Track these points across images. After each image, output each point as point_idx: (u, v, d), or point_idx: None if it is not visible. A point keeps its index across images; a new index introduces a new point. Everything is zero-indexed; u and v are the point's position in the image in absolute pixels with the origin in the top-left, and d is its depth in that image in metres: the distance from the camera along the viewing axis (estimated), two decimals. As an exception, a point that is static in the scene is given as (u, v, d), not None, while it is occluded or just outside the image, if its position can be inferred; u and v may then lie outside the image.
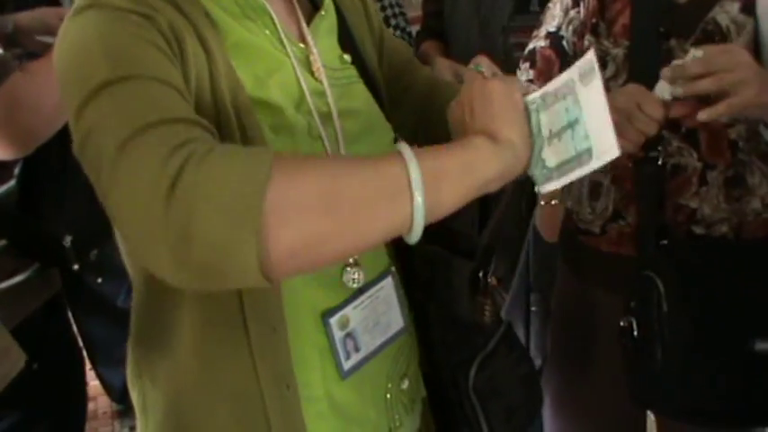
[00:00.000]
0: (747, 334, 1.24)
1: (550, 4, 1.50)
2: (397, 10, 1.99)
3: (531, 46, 1.51)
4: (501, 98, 0.82)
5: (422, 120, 1.10)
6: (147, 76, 0.73)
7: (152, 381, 0.96)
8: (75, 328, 1.94)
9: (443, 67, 2.04)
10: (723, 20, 1.27)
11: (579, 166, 0.80)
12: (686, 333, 1.25)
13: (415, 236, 0.73)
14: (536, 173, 0.84)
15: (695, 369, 1.26)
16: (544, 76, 1.48)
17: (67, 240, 1.35)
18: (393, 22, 1.98)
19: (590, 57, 0.79)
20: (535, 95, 0.84)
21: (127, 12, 0.77)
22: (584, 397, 1.55)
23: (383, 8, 1.96)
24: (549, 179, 0.83)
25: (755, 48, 1.26)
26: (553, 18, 1.46)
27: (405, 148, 0.73)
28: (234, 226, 0.64)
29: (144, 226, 0.67)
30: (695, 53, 1.16)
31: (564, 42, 1.44)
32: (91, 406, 2.61)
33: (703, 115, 1.15)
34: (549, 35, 1.47)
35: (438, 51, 2.13)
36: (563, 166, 0.82)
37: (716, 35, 1.28)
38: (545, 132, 0.83)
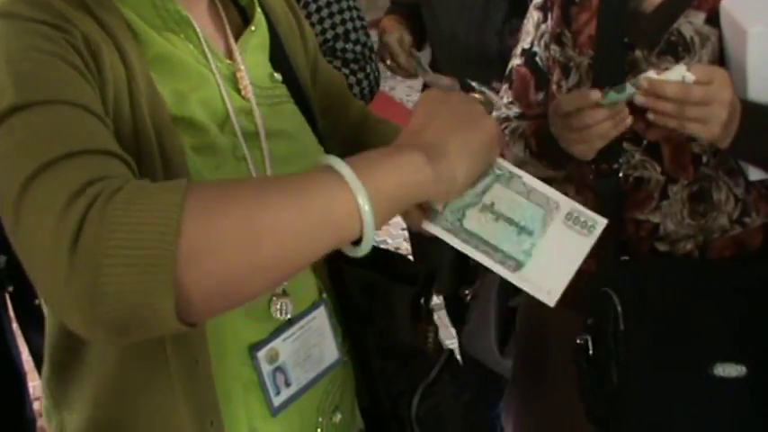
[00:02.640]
0: (707, 357, 1.21)
1: (525, 21, 1.46)
2: (358, 24, 1.83)
3: (509, 65, 1.47)
4: (471, 116, 0.76)
5: (350, 154, 1.06)
6: (59, 101, 0.68)
7: (69, 413, 0.91)
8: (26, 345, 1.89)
9: (392, 40, 1.94)
10: (687, 31, 1.24)
11: (492, 259, 0.74)
12: (643, 353, 1.22)
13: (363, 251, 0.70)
14: (446, 216, 0.76)
15: (651, 390, 1.22)
16: (522, 96, 1.44)
17: (2, 261, 1.31)
18: (353, 36, 1.82)
19: (602, 224, 0.76)
20: (509, 167, 0.77)
21: (39, 23, 0.72)
22: (545, 416, 1.52)
23: (343, 21, 1.80)
24: (450, 231, 0.76)
25: (720, 58, 1.23)
26: (527, 34, 1.43)
27: (342, 166, 0.68)
28: (145, 279, 0.58)
29: (50, 283, 0.61)
30: (684, 73, 1.10)
31: (537, 59, 1.41)
32: (41, 422, 2.52)
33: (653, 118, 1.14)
34: (523, 52, 1.44)
35: (397, 23, 2.02)
36: (476, 240, 0.75)
37: (680, 46, 1.24)
38: (486, 199, 0.76)
